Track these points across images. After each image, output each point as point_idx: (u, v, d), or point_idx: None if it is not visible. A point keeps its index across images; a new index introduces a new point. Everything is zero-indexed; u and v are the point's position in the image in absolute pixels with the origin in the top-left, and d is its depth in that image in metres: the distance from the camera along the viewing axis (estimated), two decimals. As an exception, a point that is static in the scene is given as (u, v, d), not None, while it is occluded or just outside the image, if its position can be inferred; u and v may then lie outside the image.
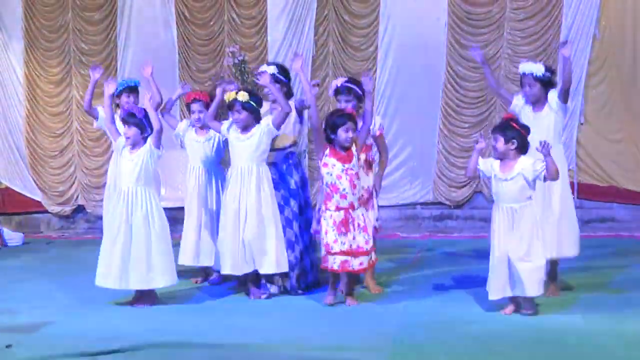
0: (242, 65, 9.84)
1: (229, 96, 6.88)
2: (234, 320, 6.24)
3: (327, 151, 6.48)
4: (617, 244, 9.01)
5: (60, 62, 10.95)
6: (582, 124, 10.06)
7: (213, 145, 7.35)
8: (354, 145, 6.49)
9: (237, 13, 10.62)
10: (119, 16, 10.75)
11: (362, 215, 6.54)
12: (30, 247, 9.94)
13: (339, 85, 6.88)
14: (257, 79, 7.05)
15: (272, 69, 6.99)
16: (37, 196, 11.05)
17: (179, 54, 10.70)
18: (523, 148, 6.05)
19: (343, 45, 10.47)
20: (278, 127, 6.84)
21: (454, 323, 5.93)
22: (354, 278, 6.78)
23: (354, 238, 6.44)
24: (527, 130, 6.10)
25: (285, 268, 6.83)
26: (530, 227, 6.04)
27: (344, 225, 6.43)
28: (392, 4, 10.31)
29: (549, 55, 10.04)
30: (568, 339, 5.47)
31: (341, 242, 6.42)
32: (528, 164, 6.02)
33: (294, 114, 7.01)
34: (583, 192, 10.08)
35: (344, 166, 6.43)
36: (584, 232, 9.67)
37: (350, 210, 6.46)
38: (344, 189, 6.43)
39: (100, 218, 10.78)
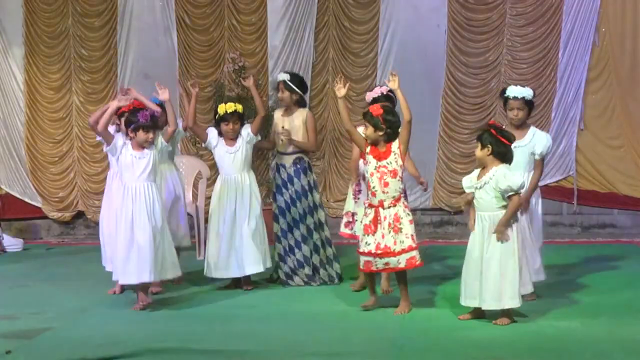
0: (242, 72, 9.85)
1: (228, 107, 7.12)
2: (233, 326, 6.24)
3: (369, 149, 6.45)
4: (617, 250, 9.00)
5: (61, 68, 10.93)
6: (582, 130, 10.06)
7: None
8: (397, 141, 6.36)
9: (237, 19, 10.62)
10: (119, 22, 10.73)
11: (396, 215, 6.35)
12: (30, 253, 9.92)
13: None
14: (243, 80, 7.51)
15: (285, 76, 7.44)
16: (37, 202, 11.03)
17: (179, 60, 10.68)
18: (499, 155, 5.94)
19: (343, 51, 10.47)
20: (257, 133, 7.33)
21: (454, 329, 5.93)
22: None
23: (382, 237, 6.33)
24: (508, 137, 5.97)
25: (268, 265, 7.37)
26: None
27: (374, 224, 6.37)
28: (392, 10, 10.31)
29: (549, 61, 10.06)
30: (568, 345, 5.46)
31: (366, 243, 6.38)
32: (500, 174, 5.90)
33: (308, 124, 7.38)
34: (583, 198, 10.11)
35: (377, 163, 6.38)
36: (584, 238, 9.83)
37: (380, 209, 6.37)
38: (373, 187, 6.39)
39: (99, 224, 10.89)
